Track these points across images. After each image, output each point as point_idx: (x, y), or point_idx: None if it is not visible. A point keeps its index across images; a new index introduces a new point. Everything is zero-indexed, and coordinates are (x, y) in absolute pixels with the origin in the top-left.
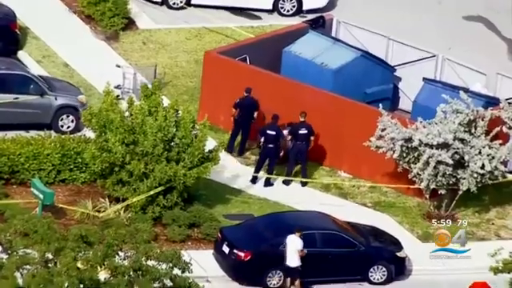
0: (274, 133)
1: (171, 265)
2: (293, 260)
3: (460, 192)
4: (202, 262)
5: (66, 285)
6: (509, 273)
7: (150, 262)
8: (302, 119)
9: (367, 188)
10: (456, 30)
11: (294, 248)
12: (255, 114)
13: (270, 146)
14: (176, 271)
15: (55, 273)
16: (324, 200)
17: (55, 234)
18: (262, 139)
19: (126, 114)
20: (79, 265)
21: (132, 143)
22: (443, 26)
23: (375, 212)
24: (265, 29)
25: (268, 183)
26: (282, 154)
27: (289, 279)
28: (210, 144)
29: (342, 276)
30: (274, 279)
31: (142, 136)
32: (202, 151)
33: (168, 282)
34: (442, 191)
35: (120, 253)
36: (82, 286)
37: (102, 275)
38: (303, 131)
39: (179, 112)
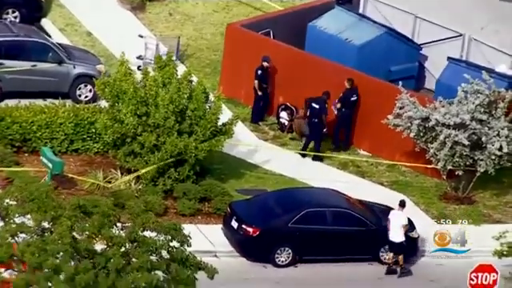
0: (317, 106)
1: (169, 237)
2: (397, 235)
3: (477, 174)
4: (211, 237)
5: (60, 254)
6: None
7: (150, 234)
8: (348, 86)
9: (385, 167)
10: (489, 9)
11: (398, 223)
12: (256, 83)
13: (314, 120)
14: (175, 244)
15: (49, 241)
16: (341, 178)
17: (52, 203)
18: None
19: (141, 84)
20: (75, 234)
21: (144, 115)
22: (477, 4)
23: (391, 191)
24: (295, 3)
25: (317, 158)
26: (325, 130)
27: (391, 254)
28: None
29: (351, 255)
30: (283, 256)
31: (154, 108)
32: (214, 124)
33: (166, 255)
34: (460, 172)
35: (118, 223)
36: (77, 256)
37: (99, 246)
38: (354, 98)
39: (193, 83)
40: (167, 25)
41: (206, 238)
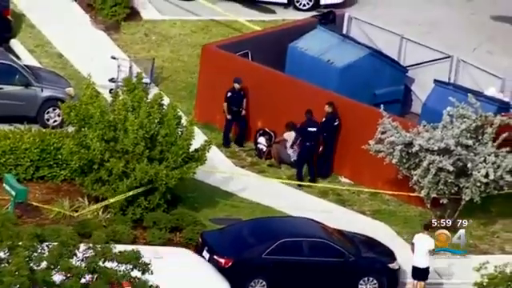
0: (314, 129)
1: (131, 266)
2: (421, 260)
3: (463, 202)
4: None
5: (17, 286)
6: None
7: (111, 264)
8: (329, 110)
9: (367, 195)
10: (481, 30)
11: (424, 248)
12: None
13: (309, 143)
14: (136, 273)
15: (6, 273)
16: (320, 206)
17: (8, 232)
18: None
19: (111, 108)
20: (33, 265)
21: (112, 140)
22: (469, 24)
23: (373, 221)
24: (277, 23)
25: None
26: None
27: (414, 282)
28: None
29: (329, 287)
30: None
31: (122, 133)
32: (186, 150)
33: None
34: (444, 200)
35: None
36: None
37: (57, 277)
38: (337, 123)
39: (164, 108)
40: (142, 46)
41: None
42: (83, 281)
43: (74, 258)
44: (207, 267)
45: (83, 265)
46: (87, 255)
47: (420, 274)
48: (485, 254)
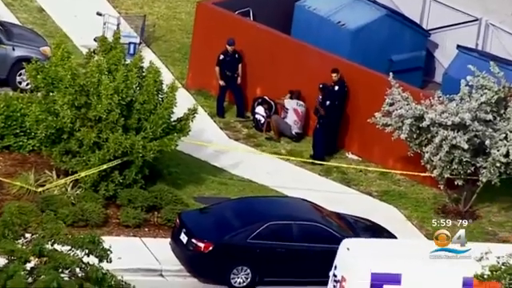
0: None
1: (86, 251)
2: None
3: (479, 183)
4: (158, 253)
5: None
6: (497, 281)
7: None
8: (337, 78)
9: (376, 174)
10: None
11: None
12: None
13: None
14: (92, 259)
15: None
16: (321, 186)
17: None
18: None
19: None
20: None
21: (84, 106)
22: None
23: (380, 203)
24: None
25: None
26: None
27: None
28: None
29: (322, 277)
30: (240, 277)
31: (95, 98)
32: (167, 120)
33: (79, 272)
34: (459, 182)
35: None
36: None
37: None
38: (343, 91)
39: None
40: (135, 1)
41: (152, 254)
42: (31, 265)
43: (22, 239)
44: None
45: (29, 247)
46: (34, 237)
47: None
48: (503, 243)
